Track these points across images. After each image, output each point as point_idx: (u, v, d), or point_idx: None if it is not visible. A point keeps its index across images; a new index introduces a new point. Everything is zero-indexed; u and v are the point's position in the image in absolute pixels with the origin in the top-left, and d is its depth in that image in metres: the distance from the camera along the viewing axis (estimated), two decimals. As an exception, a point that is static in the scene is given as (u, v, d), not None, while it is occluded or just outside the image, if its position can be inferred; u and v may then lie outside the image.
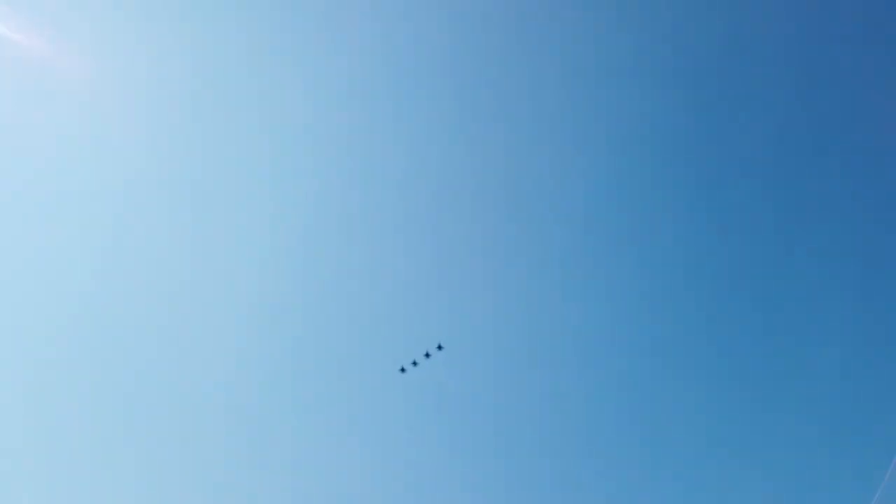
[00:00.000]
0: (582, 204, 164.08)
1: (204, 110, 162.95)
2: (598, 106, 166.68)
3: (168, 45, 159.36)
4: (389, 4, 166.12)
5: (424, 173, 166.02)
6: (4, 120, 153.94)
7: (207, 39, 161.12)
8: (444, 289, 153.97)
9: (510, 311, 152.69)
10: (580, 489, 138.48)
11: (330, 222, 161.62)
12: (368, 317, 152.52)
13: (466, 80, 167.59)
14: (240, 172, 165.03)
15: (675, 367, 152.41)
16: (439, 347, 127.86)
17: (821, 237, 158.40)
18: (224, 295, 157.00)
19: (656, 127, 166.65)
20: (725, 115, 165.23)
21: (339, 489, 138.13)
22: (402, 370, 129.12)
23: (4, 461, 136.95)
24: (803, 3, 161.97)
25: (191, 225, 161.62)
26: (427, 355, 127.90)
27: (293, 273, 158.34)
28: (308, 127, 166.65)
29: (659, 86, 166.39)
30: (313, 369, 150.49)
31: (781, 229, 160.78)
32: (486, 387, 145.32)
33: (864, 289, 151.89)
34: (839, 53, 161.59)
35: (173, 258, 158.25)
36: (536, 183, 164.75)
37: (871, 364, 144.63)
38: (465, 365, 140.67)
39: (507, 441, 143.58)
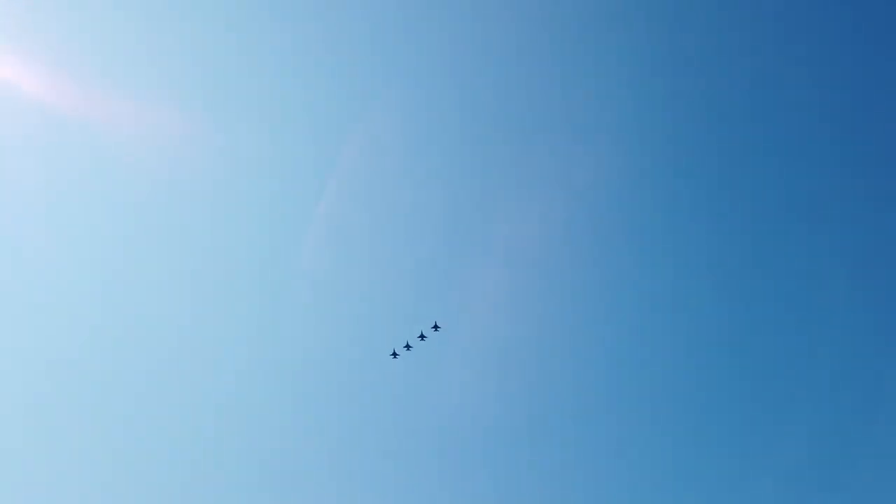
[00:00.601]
0: (582, 204, 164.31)
1: (204, 111, 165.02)
2: (599, 107, 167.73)
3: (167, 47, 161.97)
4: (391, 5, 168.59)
5: (422, 171, 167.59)
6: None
7: (207, 40, 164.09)
8: (437, 284, 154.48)
9: (504, 309, 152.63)
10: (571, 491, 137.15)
11: (328, 219, 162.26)
12: (360, 303, 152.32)
13: (466, 79, 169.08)
14: (239, 172, 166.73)
15: (674, 368, 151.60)
16: (435, 328, 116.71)
17: (823, 238, 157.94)
18: (217, 292, 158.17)
19: (656, 127, 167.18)
20: (732, 115, 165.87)
21: (333, 488, 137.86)
22: (395, 355, 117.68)
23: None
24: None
25: (190, 223, 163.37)
26: (422, 337, 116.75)
27: (290, 269, 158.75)
28: (308, 128, 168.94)
29: (660, 86, 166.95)
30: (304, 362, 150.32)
31: (782, 231, 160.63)
32: (480, 385, 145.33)
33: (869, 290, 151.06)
34: (841, 52, 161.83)
35: (172, 256, 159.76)
36: (536, 182, 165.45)
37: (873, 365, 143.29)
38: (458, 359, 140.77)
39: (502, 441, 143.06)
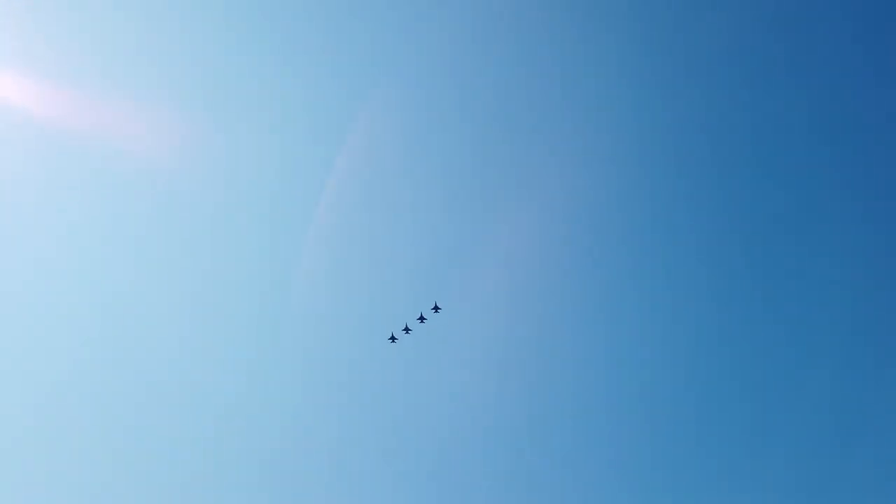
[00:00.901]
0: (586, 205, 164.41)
1: (204, 111, 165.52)
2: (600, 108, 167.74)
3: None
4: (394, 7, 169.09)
5: (422, 171, 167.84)
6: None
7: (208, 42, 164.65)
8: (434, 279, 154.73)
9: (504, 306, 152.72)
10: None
11: (328, 219, 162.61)
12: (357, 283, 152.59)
13: (466, 79, 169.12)
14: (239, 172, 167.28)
15: (674, 369, 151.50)
16: (435, 309, 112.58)
17: (824, 240, 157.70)
18: (216, 292, 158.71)
19: (657, 127, 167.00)
20: (734, 116, 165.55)
21: (331, 489, 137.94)
22: (393, 339, 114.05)
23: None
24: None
25: (190, 223, 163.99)
26: (421, 319, 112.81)
27: (290, 269, 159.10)
28: (308, 128, 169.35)
29: (661, 86, 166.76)
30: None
31: (783, 233, 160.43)
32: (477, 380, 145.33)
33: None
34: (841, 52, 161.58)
35: (172, 256, 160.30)
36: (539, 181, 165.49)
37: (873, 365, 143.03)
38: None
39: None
